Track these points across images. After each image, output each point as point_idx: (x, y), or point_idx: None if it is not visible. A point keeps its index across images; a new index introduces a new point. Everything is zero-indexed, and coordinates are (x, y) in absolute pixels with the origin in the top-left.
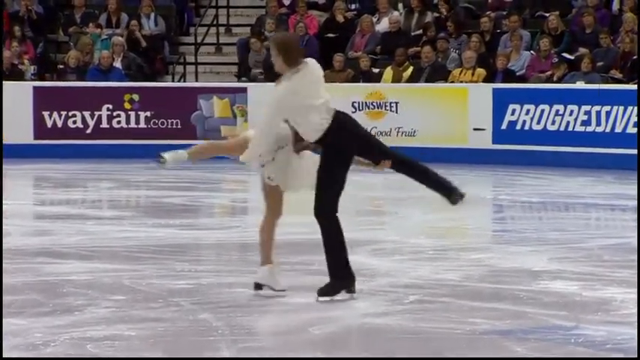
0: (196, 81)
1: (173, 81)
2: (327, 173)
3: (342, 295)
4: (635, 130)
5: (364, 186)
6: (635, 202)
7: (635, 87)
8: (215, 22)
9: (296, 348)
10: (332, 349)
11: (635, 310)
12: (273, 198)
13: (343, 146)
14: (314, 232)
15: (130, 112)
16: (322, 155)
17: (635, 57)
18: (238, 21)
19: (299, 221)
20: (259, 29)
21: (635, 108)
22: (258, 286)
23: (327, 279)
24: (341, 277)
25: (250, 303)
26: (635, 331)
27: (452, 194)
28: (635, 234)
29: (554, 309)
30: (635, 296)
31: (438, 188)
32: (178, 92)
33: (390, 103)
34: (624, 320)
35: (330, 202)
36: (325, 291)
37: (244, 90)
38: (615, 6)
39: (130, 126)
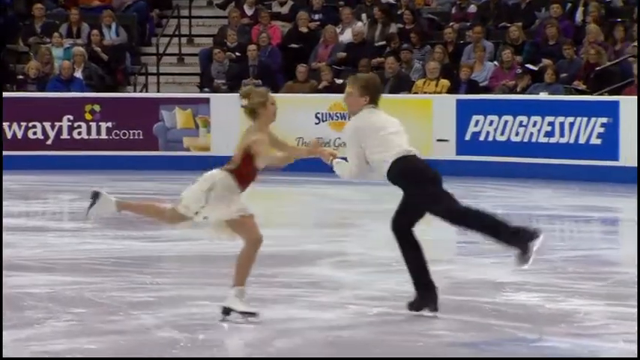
0: (158, 91)
1: (135, 91)
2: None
3: (304, 309)
4: (599, 141)
5: (330, 198)
6: (600, 214)
7: (599, 98)
8: (177, 33)
9: None
10: None
11: (600, 323)
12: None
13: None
14: (276, 244)
15: (91, 123)
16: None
17: (598, 68)
18: (200, 31)
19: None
20: (221, 39)
21: (599, 119)
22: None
23: (291, 291)
24: (420, 294)
25: (212, 316)
26: (600, 344)
27: (523, 249)
28: (601, 246)
29: (518, 321)
30: (600, 308)
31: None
32: (140, 103)
33: None
34: (588, 332)
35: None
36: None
37: (207, 101)
38: (579, 17)
39: (90, 137)
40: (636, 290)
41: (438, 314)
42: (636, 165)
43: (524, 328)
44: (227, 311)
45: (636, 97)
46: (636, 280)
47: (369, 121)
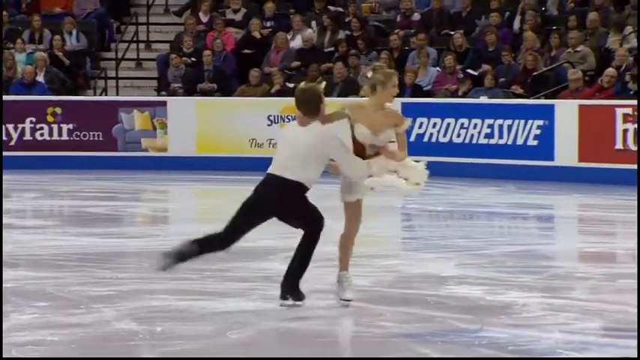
0: (117, 95)
1: (95, 95)
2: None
3: (258, 301)
4: (536, 143)
5: None
6: (537, 211)
7: (536, 101)
8: (135, 38)
9: (215, 352)
10: (249, 353)
11: (537, 314)
12: (353, 210)
13: None
14: None
15: (52, 125)
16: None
17: (535, 73)
18: (158, 37)
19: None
20: (178, 45)
21: (536, 122)
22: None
23: (245, 285)
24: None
25: (170, 309)
26: (537, 334)
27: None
28: (538, 241)
29: (460, 313)
30: (537, 300)
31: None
32: (100, 106)
33: None
34: (526, 323)
35: None
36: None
37: (164, 103)
38: (516, 25)
39: (52, 138)
40: (571, 283)
41: (384, 307)
42: (572, 165)
43: (466, 320)
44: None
45: (574, 101)
46: (571, 273)
47: None
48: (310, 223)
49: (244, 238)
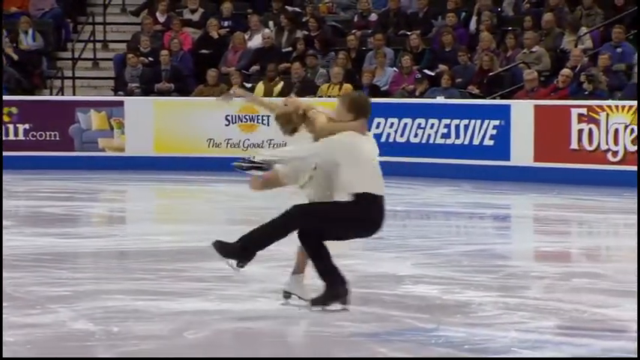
0: (74, 95)
1: (51, 94)
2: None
3: (215, 301)
4: (492, 143)
5: (239, 196)
6: (493, 211)
7: (492, 102)
8: (92, 38)
9: (171, 352)
10: (206, 353)
11: (493, 313)
12: None
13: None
14: (188, 240)
15: (9, 125)
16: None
17: (491, 73)
18: (114, 37)
19: (168, 230)
20: (135, 45)
21: (492, 122)
22: (287, 295)
23: (202, 284)
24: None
25: (126, 309)
26: (493, 332)
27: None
28: (494, 241)
29: (417, 312)
30: (493, 299)
31: None
32: (56, 105)
33: (262, 116)
34: (482, 322)
35: None
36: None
37: (121, 103)
38: (472, 26)
39: (9, 138)
40: (526, 282)
41: (342, 306)
42: (528, 164)
43: (422, 319)
44: (288, 294)
45: (529, 101)
46: (527, 272)
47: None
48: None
49: (198, 238)
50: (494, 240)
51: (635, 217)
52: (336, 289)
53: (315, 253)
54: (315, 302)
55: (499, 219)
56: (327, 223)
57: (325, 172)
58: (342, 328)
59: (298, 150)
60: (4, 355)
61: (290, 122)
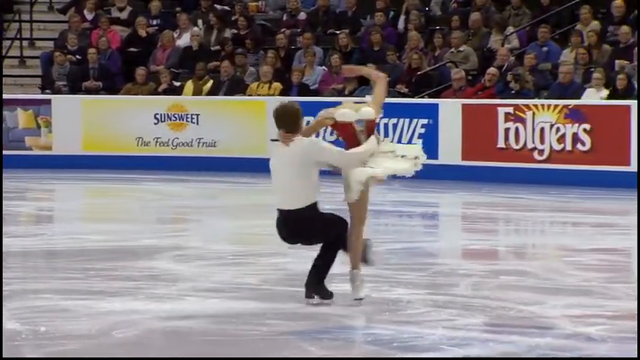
0: (0, 93)
1: None
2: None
3: (144, 300)
4: (420, 141)
5: (167, 194)
6: (421, 209)
7: (420, 100)
8: (19, 36)
9: (99, 352)
10: (134, 353)
11: (421, 310)
12: (354, 209)
13: None
14: (116, 239)
15: None
16: None
17: (419, 72)
18: (41, 35)
19: (97, 229)
20: (62, 43)
21: (420, 120)
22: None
23: (131, 284)
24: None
25: (54, 309)
26: (421, 330)
27: None
28: (423, 239)
29: (346, 310)
30: (421, 297)
31: None
32: None
33: (192, 115)
34: (410, 320)
35: None
36: None
37: (48, 102)
38: (401, 25)
39: None
40: (454, 280)
41: (271, 304)
42: (456, 163)
43: (351, 317)
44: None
45: (457, 100)
46: (455, 269)
47: None
48: (329, 236)
49: (127, 238)
50: (423, 238)
51: (561, 214)
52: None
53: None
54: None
55: (427, 217)
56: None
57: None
58: (272, 326)
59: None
60: (4, 355)
61: None
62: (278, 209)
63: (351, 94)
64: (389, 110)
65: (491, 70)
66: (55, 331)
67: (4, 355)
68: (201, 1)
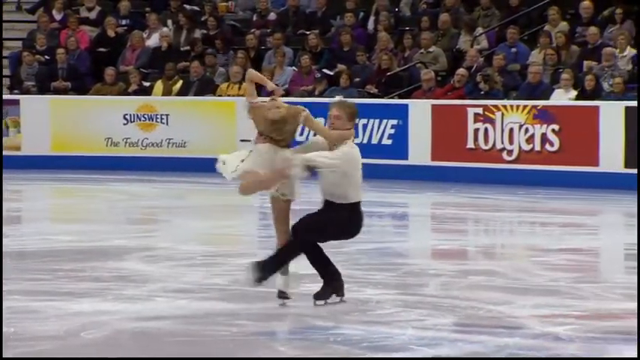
0: None
1: None
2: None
3: (113, 301)
4: (390, 142)
5: (136, 195)
6: (391, 209)
7: (390, 101)
8: None
9: (68, 352)
10: (102, 353)
11: (391, 311)
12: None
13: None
14: (85, 240)
15: None
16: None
17: (389, 73)
18: (10, 35)
19: (66, 229)
20: (31, 43)
21: (390, 121)
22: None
23: (99, 284)
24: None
25: (25, 309)
26: (391, 330)
27: None
28: (392, 239)
29: (316, 310)
30: (391, 297)
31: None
32: None
33: (161, 115)
34: (380, 320)
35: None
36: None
37: (17, 102)
38: (371, 26)
39: None
40: (424, 280)
41: (241, 305)
42: (425, 163)
43: (321, 317)
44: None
45: (427, 101)
46: (424, 270)
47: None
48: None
49: (96, 238)
50: (393, 238)
51: (529, 214)
52: (333, 285)
53: (316, 259)
54: (317, 297)
55: (397, 217)
56: (325, 233)
57: (327, 179)
58: (242, 327)
59: (329, 156)
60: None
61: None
62: (360, 201)
63: (321, 95)
64: (359, 111)
65: (461, 70)
66: (24, 332)
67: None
68: (171, 2)
